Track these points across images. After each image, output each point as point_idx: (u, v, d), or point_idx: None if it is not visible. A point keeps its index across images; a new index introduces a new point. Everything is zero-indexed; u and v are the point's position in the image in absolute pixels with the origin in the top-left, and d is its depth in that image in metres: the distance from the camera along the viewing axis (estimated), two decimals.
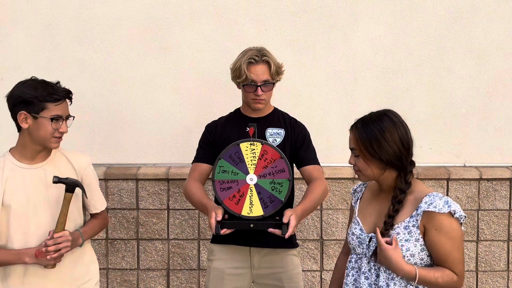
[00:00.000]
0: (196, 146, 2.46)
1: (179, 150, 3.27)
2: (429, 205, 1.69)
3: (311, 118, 3.18)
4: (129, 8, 3.21)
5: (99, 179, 3.15)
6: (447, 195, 3.22)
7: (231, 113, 2.47)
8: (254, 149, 2.14)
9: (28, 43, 3.21)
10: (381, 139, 1.70)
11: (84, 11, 3.20)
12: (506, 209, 3.25)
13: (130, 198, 3.20)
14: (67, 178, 1.99)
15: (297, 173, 2.37)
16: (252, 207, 2.13)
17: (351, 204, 1.98)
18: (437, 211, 1.67)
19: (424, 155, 3.26)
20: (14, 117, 2.00)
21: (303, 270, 3.04)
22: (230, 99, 3.04)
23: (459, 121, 3.29)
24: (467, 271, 3.26)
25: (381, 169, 1.74)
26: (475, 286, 3.28)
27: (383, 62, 3.26)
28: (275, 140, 2.33)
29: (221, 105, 3.10)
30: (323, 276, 3.27)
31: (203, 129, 2.47)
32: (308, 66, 3.25)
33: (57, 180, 1.97)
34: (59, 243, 1.96)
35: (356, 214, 1.88)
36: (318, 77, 3.26)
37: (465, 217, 1.72)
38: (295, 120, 2.43)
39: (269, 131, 2.35)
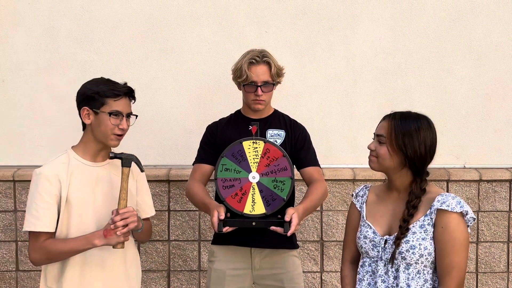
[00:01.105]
0: (197, 147, 2.47)
1: (179, 151, 3.28)
2: (442, 203, 1.71)
3: (311, 120, 3.19)
4: (130, 10, 3.22)
5: None
6: None
7: (232, 114, 2.48)
8: (256, 147, 2.15)
9: (30, 45, 3.22)
10: (414, 135, 1.73)
11: (85, 13, 3.21)
12: (506, 211, 3.26)
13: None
14: (122, 153, 2.00)
15: (297, 174, 2.37)
16: (254, 205, 2.13)
17: (355, 207, 1.96)
18: (449, 209, 1.69)
19: None
20: (79, 113, 2.04)
21: (303, 271, 3.05)
22: (231, 101, 3.05)
23: (459, 122, 3.30)
24: (467, 272, 3.26)
25: (400, 164, 1.76)
26: (475, 287, 3.29)
27: (383, 64, 3.27)
28: (276, 141, 2.34)
29: (222, 106, 3.11)
30: (323, 278, 3.27)
31: (204, 130, 2.48)
32: (308, 68, 3.26)
33: (114, 156, 1.99)
34: (126, 218, 1.94)
35: (365, 218, 1.88)
36: (318, 79, 3.27)
37: (474, 219, 1.73)
38: (296, 121, 2.44)
39: (270, 133, 2.36)
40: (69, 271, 2.01)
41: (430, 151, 1.75)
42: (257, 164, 2.15)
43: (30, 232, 1.98)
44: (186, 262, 3.24)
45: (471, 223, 1.72)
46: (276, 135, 2.36)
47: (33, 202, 1.96)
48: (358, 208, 1.93)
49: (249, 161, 2.15)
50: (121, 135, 2.04)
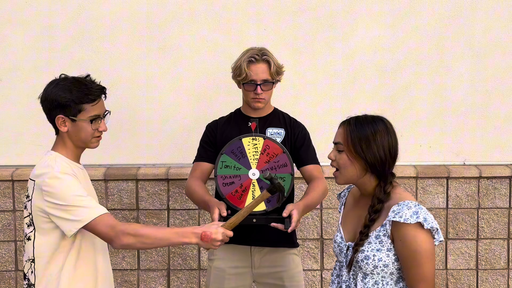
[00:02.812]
0: (196, 146, 2.47)
1: (178, 150, 3.27)
2: (395, 214, 1.63)
3: (310, 118, 3.18)
4: (127, 9, 3.21)
5: (99, 180, 3.17)
6: (447, 193, 3.22)
7: (231, 113, 2.47)
8: (256, 144, 2.15)
9: (27, 44, 3.21)
10: (371, 139, 1.68)
11: (83, 11, 3.20)
12: (506, 207, 3.26)
13: (130, 199, 3.20)
14: (276, 178, 1.95)
15: (296, 172, 2.37)
16: None
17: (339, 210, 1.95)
18: (402, 221, 1.61)
19: (423, 154, 3.27)
20: (51, 120, 1.90)
21: (303, 269, 3.04)
22: (230, 99, 3.04)
23: (459, 119, 3.30)
24: (468, 269, 3.26)
25: (362, 170, 1.70)
26: (475, 284, 3.28)
27: (382, 61, 3.26)
28: (276, 139, 2.34)
29: (221, 105, 3.10)
30: (323, 276, 3.27)
31: (203, 129, 2.48)
32: (307, 65, 3.25)
33: (271, 177, 1.93)
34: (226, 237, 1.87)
35: (340, 222, 1.86)
36: (317, 77, 3.26)
37: (437, 229, 1.63)
38: (295, 120, 2.44)
39: (269, 131, 2.36)
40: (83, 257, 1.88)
41: (390, 154, 1.69)
42: (257, 161, 2.15)
43: (94, 222, 1.77)
44: (186, 261, 3.24)
45: (435, 232, 1.63)
46: (276, 134, 2.36)
47: (77, 197, 1.78)
48: (339, 210, 1.92)
49: (249, 158, 2.15)
50: (100, 136, 1.94)
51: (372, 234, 1.68)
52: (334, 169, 1.78)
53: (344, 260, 1.75)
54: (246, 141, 2.15)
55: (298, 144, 2.37)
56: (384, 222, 1.66)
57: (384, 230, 1.66)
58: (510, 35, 3.26)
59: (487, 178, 3.24)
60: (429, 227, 1.62)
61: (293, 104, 3.19)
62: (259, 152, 2.14)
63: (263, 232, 2.29)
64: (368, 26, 3.24)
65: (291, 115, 2.47)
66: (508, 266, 3.28)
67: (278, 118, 2.41)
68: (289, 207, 2.08)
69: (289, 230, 2.05)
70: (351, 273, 1.73)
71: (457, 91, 3.29)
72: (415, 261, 1.62)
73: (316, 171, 2.35)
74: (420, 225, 1.61)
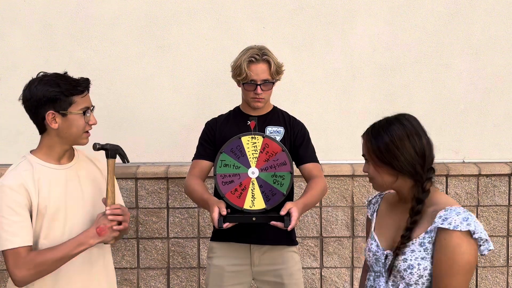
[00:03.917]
0: (195, 144, 2.47)
1: (178, 148, 3.27)
2: (443, 220, 1.53)
3: (310, 116, 3.18)
4: (126, 7, 3.20)
5: None
6: (446, 191, 3.22)
7: (231, 111, 2.47)
8: (255, 143, 2.15)
9: (26, 43, 3.21)
10: (391, 146, 1.59)
11: (82, 10, 3.20)
12: (505, 205, 3.26)
13: (129, 197, 3.20)
14: (107, 144, 1.87)
15: (296, 170, 2.37)
16: (254, 201, 2.13)
17: (367, 216, 1.85)
18: (451, 228, 1.51)
19: None
20: (38, 119, 1.84)
21: (302, 267, 3.05)
22: (229, 97, 3.04)
23: (458, 117, 3.30)
24: None
25: (392, 176, 1.62)
26: (474, 282, 3.28)
27: (382, 59, 3.26)
28: (275, 138, 2.34)
29: (220, 103, 3.10)
30: (323, 273, 3.27)
31: (202, 127, 2.47)
32: (306, 63, 3.25)
33: (100, 147, 1.86)
34: (121, 214, 1.82)
35: (373, 229, 1.74)
36: (317, 75, 3.26)
37: (487, 240, 1.52)
38: (295, 118, 2.44)
39: (269, 129, 2.35)
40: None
41: (417, 154, 1.59)
42: (256, 159, 2.14)
43: (5, 251, 1.76)
44: (186, 259, 3.24)
45: (484, 246, 1.52)
46: (276, 132, 2.36)
47: (2, 218, 1.75)
48: (369, 216, 1.82)
49: (248, 157, 2.14)
50: (89, 132, 1.90)
51: (416, 242, 1.58)
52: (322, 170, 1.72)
53: (383, 269, 1.66)
54: (246, 140, 2.15)
55: (298, 142, 2.37)
56: (429, 228, 1.56)
57: (429, 237, 1.57)
58: (509, 32, 3.26)
59: (486, 175, 3.24)
60: (477, 237, 1.51)
61: (292, 101, 3.19)
62: (259, 151, 2.14)
63: (263, 231, 2.29)
64: (367, 23, 3.24)
65: (290, 113, 2.47)
66: (507, 263, 3.28)
67: (278, 116, 2.41)
68: (287, 205, 2.08)
69: (289, 228, 2.05)
70: (390, 283, 1.63)
71: (457, 89, 3.29)
72: (450, 270, 1.51)
73: (316, 170, 2.35)
74: (468, 234, 1.51)
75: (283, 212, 2.05)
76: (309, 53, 3.24)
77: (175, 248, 3.23)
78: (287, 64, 2.40)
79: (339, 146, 3.29)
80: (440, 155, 3.29)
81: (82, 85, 1.84)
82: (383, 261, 1.65)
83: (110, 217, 1.81)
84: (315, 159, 2.38)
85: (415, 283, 1.58)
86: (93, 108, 1.90)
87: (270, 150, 2.15)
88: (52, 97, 1.79)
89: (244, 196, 2.13)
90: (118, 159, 1.93)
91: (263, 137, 2.15)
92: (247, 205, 2.13)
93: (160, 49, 3.22)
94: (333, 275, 3.27)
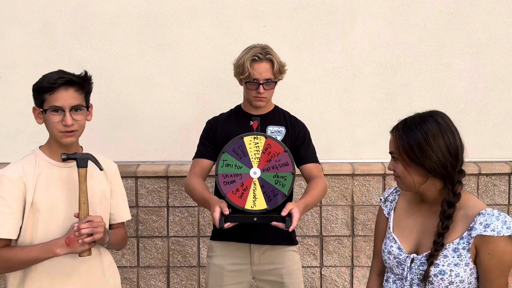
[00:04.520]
0: (195, 143, 2.46)
1: (178, 147, 3.26)
2: (485, 227, 1.49)
3: (310, 115, 3.18)
4: (126, 6, 3.20)
5: None
6: None
7: (232, 109, 2.47)
8: (257, 143, 2.15)
9: (26, 42, 3.20)
10: (424, 144, 1.51)
11: (82, 9, 3.19)
12: (505, 204, 3.26)
13: (129, 196, 3.19)
14: (75, 153, 1.83)
15: (296, 170, 2.36)
16: (256, 201, 2.13)
17: (382, 213, 1.76)
18: (495, 234, 1.48)
19: None
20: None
21: (302, 267, 3.05)
22: (229, 96, 3.04)
23: (458, 116, 3.28)
24: None
25: (422, 177, 1.55)
26: None
27: (382, 58, 3.25)
28: (276, 137, 2.33)
29: (220, 102, 3.10)
30: (322, 272, 3.27)
31: (202, 126, 2.47)
32: (306, 62, 3.25)
33: (66, 157, 1.81)
34: (95, 227, 1.77)
35: (391, 229, 1.68)
36: (317, 73, 3.26)
37: None
38: (296, 118, 2.43)
39: (270, 129, 2.35)
40: (31, 283, 1.84)
41: (450, 153, 1.52)
42: (258, 160, 2.14)
43: None
44: (186, 258, 3.24)
45: None
46: (277, 132, 2.35)
47: None
48: (386, 215, 1.73)
49: (250, 157, 2.14)
50: (71, 132, 1.82)
51: (449, 247, 1.53)
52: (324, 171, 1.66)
53: (407, 273, 1.60)
54: (248, 140, 2.15)
55: (299, 142, 2.37)
56: (465, 234, 1.52)
57: (464, 243, 1.52)
58: (510, 32, 3.26)
59: (486, 175, 3.24)
60: None
61: (292, 100, 3.19)
62: (261, 151, 2.14)
63: (263, 230, 2.29)
64: (367, 22, 3.23)
65: (291, 112, 2.46)
66: None
67: (279, 116, 2.41)
68: (288, 206, 2.08)
69: (290, 229, 2.05)
70: (414, 287, 1.59)
71: (457, 88, 3.29)
72: (502, 272, 1.51)
73: (316, 170, 2.35)
74: (510, 236, 1.50)
75: (284, 213, 2.05)
76: (309, 52, 3.24)
77: (175, 247, 3.23)
78: (287, 63, 2.40)
79: (339, 145, 3.29)
80: None
81: (53, 82, 1.78)
82: (408, 265, 1.59)
83: (83, 231, 1.76)
84: (315, 159, 2.38)
85: None
86: (77, 108, 1.82)
87: (272, 150, 2.14)
88: (33, 94, 1.83)
89: (246, 196, 2.13)
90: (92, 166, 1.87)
91: (266, 138, 2.14)
92: (248, 205, 2.13)
93: (160, 47, 3.22)
94: (333, 274, 3.27)
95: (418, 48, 3.25)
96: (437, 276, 1.53)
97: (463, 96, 3.29)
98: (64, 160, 1.81)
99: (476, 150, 3.30)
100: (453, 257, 1.53)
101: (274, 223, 2.08)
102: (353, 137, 3.28)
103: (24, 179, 1.81)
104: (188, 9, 3.21)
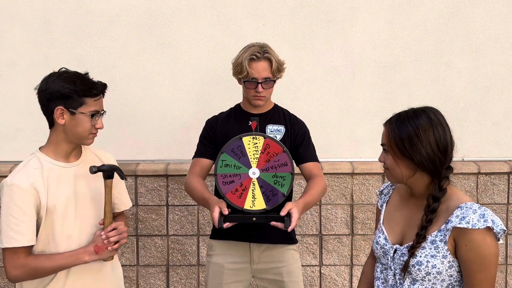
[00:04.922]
0: (195, 142, 2.46)
1: (178, 146, 3.26)
2: (461, 219, 1.52)
3: (310, 113, 3.18)
4: (126, 4, 3.19)
5: None
6: None
7: (231, 108, 2.47)
8: (256, 143, 2.14)
9: (25, 39, 3.20)
10: (414, 137, 1.55)
11: (82, 6, 3.19)
12: (504, 203, 3.26)
13: (129, 195, 3.17)
14: (103, 165, 1.91)
15: (296, 169, 2.36)
16: (255, 201, 2.13)
17: (377, 206, 1.84)
18: (470, 227, 1.50)
19: None
20: (48, 112, 1.88)
21: (302, 265, 3.05)
22: (229, 95, 3.04)
23: (458, 115, 3.30)
24: None
25: (411, 170, 1.59)
26: None
27: (382, 57, 3.25)
28: (275, 136, 2.33)
29: (220, 100, 3.10)
30: (322, 271, 3.28)
31: (202, 125, 2.47)
32: (306, 61, 3.24)
33: (96, 170, 1.88)
34: (120, 233, 1.88)
35: (382, 221, 1.73)
36: (317, 72, 3.26)
37: (505, 231, 1.53)
38: (295, 117, 2.43)
39: (269, 128, 2.35)
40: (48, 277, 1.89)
41: (439, 149, 1.55)
42: (257, 160, 2.14)
43: (6, 248, 1.83)
44: (185, 256, 3.24)
45: (501, 235, 1.53)
46: (276, 131, 2.35)
47: (10, 216, 1.80)
48: (379, 207, 1.80)
49: (249, 157, 2.14)
50: (96, 134, 1.93)
51: (428, 239, 1.57)
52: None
53: (391, 263, 1.65)
54: (247, 140, 2.15)
55: (298, 141, 2.37)
56: (443, 227, 1.56)
57: (441, 236, 1.56)
58: (509, 31, 3.26)
59: (486, 174, 3.24)
60: (498, 230, 1.52)
61: (291, 99, 3.19)
62: (260, 151, 2.14)
63: (262, 229, 2.29)
64: (367, 21, 3.23)
65: (290, 111, 2.46)
66: (506, 261, 3.29)
67: (278, 114, 2.41)
68: (287, 205, 2.09)
69: (289, 229, 2.05)
70: (397, 276, 1.64)
71: (456, 87, 3.29)
72: (482, 265, 1.52)
73: (316, 169, 2.35)
74: (488, 228, 1.51)
75: (283, 213, 2.05)
76: (309, 51, 3.24)
77: (175, 246, 3.23)
78: (287, 61, 2.40)
79: (338, 144, 3.29)
80: None
81: (97, 89, 1.88)
82: (391, 255, 1.64)
83: (105, 241, 1.87)
84: (315, 158, 2.38)
85: (422, 279, 1.58)
86: (103, 113, 1.94)
87: (271, 150, 2.14)
88: (65, 94, 1.83)
89: (245, 196, 2.13)
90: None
91: (265, 138, 2.14)
92: (247, 205, 2.13)
93: (160, 46, 3.22)
94: (332, 273, 3.27)
95: (417, 47, 3.25)
96: (415, 267, 1.57)
97: (463, 95, 3.29)
98: (93, 172, 1.88)
99: (476, 149, 3.31)
100: (430, 248, 1.56)
101: (273, 223, 2.08)
102: (352, 136, 3.28)
103: (35, 185, 1.83)
104: (188, 7, 3.20)
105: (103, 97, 1.94)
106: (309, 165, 2.34)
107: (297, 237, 2.51)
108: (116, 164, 2.06)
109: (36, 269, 1.84)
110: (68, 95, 1.83)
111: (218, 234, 2.40)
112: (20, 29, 3.19)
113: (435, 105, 3.34)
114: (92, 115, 1.87)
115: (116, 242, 1.89)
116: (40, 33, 3.19)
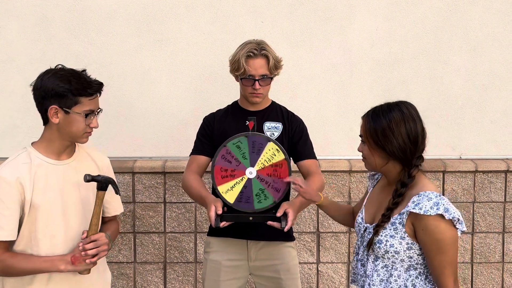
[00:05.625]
0: (193, 139, 2.46)
1: (175, 143, 3.26)
2: (415, 205, 1.65)
3: (308, 111, 3.18)
4: (125, 1, 3.18)
5: None
6: (443, 187, 3.23)
7: (229, 105, 2.46)
8: (274, 155, 2.13)
9: (22, 36, 3.18)
10: (387, 129, 1.69)
11: (79, 3, 3.17)
12: (501, 201, 3.27)
13: (126, 192, 3.19)
14: (99, 176, 1.86)
15: (293, 166, 2.36)
16: (229, 191, 2.14)
17: (367, 188, 1.99)
18: (422, 213, 1.63)
19: None
20: (42, 110, 1.85)
21: (299, 263, 3.05)
22: (226, 92, 3.03)
23: (455, 113, 3.30)
24: (463, 262, 3.28)
25: (384, 159, 1.73)
26: (470, 278, 3.30)
27: (380, 54, 3.25)
28: (273, 134, 2.33)
29: (217, 97, 3.10)
30: (319, 269, 3.28)
31: (200, 121, 2.46)
32: (304, 58, 3.24)
33: (90, 179, 1.84)
34: (98, 246, 1.84)
35: (365, 202, 1.90)
36: (315, 70, 3.25)
37: (458, 219, 1.64)
38: (293, 114, 2.43)
39: (267, 125, 2.35)
40: (29, 278, 1.86)
41: (410, 140, 1.69)
42: (263, 166, 2.14)
43: None
44: (182, 253, 3.24)
45: (457, 222, 1.64)
46: (274, 128, 2.35)
47: None
48: (368, 189, 1.96)
49: (260, 159, 2.13)
50: (91, 133, 1.90)
51: (390, 221, 1.71)
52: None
53: (361, 240, 1.82)
54: (271, 145, 2.13)
55: (296, 138, 2.36)
56: (402, 211, 1.69)
57: (400, 219, 1.69)
58: (507, 29, 3.26)
59: (483, 172, 3.25)
60: (450, 218, 1.63)
61: (289, 97, 3.18)
62: (271, 163, 2.13)
63: (259, 226, 2.29)
64: (365, 19, 3.23)
65: (288, 108, 2.46)
66: (502, 259, 3.30)
67: (276, 112, 2.40)
68: (283, 206, 2.09)
69: (285, 229, 2.06)
70: (365, 253, 1.79)
71: (454, 85, 3.29)
72: (439, 248, 1.64)
73: (314, 166, 2.35)
74: (441, 216, 1.63)
75: (279, 213, 2.06)
76: (307, 48, 3.23)
77: (172, 243, 3.23)
78: (285, 59, 2.39)
79: (336, 141, 3.29)
80: (437, 151, 3.30)
81: (93, 88, 1.85)
82: (362, 232, 1.82)
83: (82, 253, 1.83)
84: (313, 156, 2.38)
85: (382, 257, 1.73)
86: (99, 111, 1.90)
87: (279, 171, 2.14)
88: (60, 93, 1.80)
89: (227, 181, 2.12)
90: None
91: (285, 159, 2.13)
92: (221, 189, 2.12)
93: (157, 43, 3.21)
94: (329, 270, 3.28)
95: (416, 45, 3.25)
96: (375, 244, 1.73)
97: (461, 94, 3.29)
98: (87, 181, 1.85)
99: (473, 147, 3.31)
100: (390, 229, 1.71)
101: (269, 222, 2.09)
102: (350, 134, 3.28)
103: (21, 180, 1.81)
104: (186, 4, 3.19)
105: (100, 95, 1.91)
106: (307, 163, 2.34)
107: (294, 234, 2.52)
108: (110, 166, 2.04)
109: (11, 267, 1.81)
110: (62, 94, 1.80)
111: (215, 231, 2.39)
112: (17, 25, 3.18)
113: (433, 103, 3.36)
114: (87, 115, 1.85)
115: (95, 255, 1.84)
116: (37, 29, 3.18)
